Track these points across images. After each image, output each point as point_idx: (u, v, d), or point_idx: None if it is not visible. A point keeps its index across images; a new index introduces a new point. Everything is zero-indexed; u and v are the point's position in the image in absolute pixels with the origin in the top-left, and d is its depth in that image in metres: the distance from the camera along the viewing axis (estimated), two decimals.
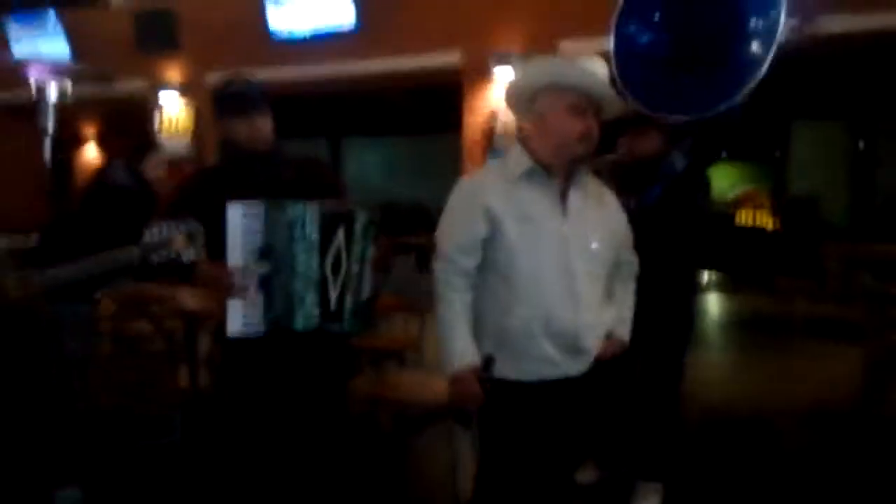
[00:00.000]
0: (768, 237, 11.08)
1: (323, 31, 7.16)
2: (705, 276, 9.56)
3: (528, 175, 1.79)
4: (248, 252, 1.91)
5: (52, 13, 8.66)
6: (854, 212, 10.85)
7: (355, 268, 1.96)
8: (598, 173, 2.45)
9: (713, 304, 8.14)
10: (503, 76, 6.43)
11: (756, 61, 2.00)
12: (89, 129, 13.35)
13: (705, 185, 2.52)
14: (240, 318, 1.92)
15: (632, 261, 2.01)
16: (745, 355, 5.70)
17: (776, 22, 2.00)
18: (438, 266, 1.83)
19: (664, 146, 2.44)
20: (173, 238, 1.84)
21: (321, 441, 2.12)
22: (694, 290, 2.76)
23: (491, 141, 6.53)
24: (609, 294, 1.91)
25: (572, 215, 1.79)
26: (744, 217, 12.23)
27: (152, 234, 1.84)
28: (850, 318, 5.93)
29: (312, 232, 1.92)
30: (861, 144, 10.99)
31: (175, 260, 1.85)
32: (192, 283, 2.03)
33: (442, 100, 8.10)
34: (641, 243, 2.06)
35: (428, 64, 6.82)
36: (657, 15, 2.23)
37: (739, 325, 7.03)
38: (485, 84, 6.57)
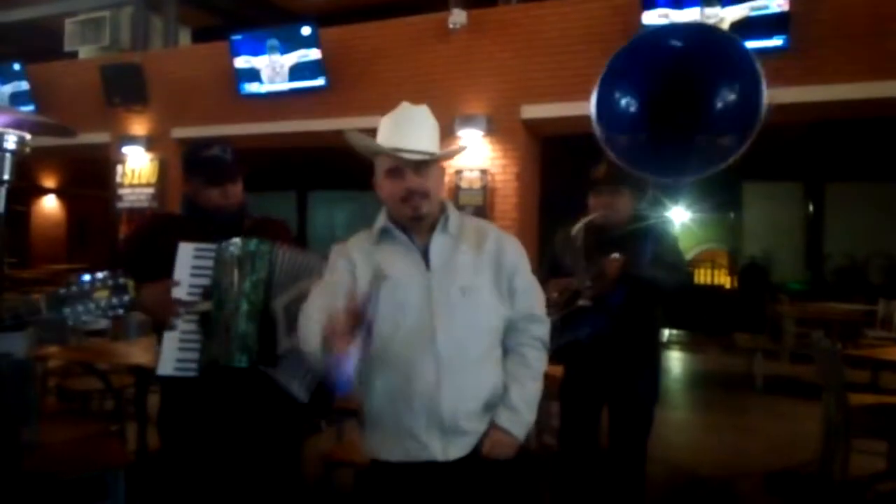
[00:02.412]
0: (725, 296, 11.34)
1: (291, 90, 7.27)
2: (665, 333, 9.69)
3: (385, 233, 1.70)
4: (193, 290, 1.88)
5: (17, 65, 8.63)
6: (807, 273, 11.19)
7: None
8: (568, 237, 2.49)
9: (674, 361, 8.20)
10: (467, 137, 6.58)
11: (741, 133, 2.10)
12: (50, 180, 13.14)
13: (671, 224, 2.64)
14: (173, 358, 1.87)
15: (532, 319, 1.72)
16: (707, 413, 5.72)
17: (759, 98, 2.09)
18: (300, 317, 1.63)
19: (634, 206, 2.54)
20: (94, 290, 1.72)
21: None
22: (659, 347, 2.82)
23: (456, 199, 6.62)
24: (497, 363, 1.68)
25: (437, 267, 1.64)
26: (702, 276, 12.52)
27: (69, 285, 1.72)
28: (806, 377, 6.05)
29: (262, 268, 1.89)
30: (810, 208, 11.44)
31: (99, 315, 1.74)
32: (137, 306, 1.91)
33: None
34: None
35: None
36: (644, 83, 2.29)
37: (701, 383, 7.08)
38: (450, 144, 6.70)
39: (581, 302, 2.41)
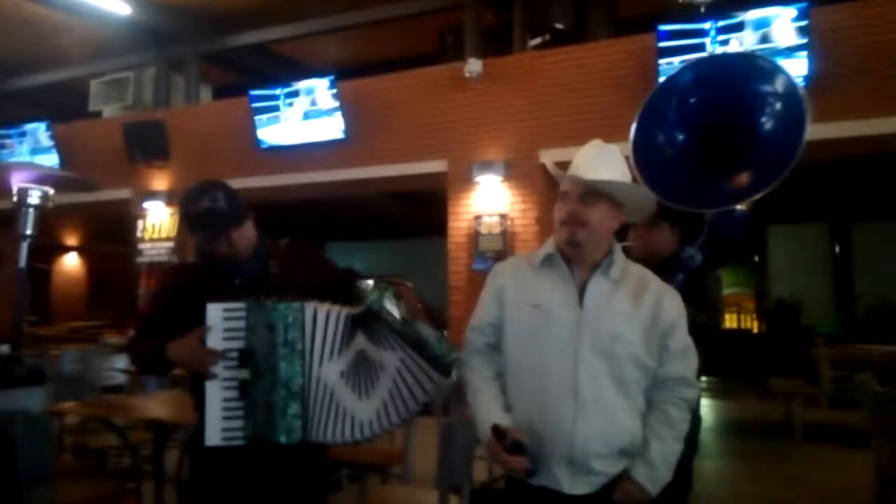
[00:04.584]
0: (755, 339, 11.04)
1: (310, 142, 7.34)
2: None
3: (547, 261, 1.74)
4: (229, 354, 1.76)
5: (43, 125, 8.84)
6: (836, 315, 10.90)
7: (402, 334, 1.74)
8: None
9: (706, 408, 7.91)
10: (486, 182, 6.56)
11: (779, 161, 2.04)
12: (72, 238, 13.32)
13: (719, 280, 2.50)
14: (219, 428, 1.75)
15: (682, 382, 1.69)
16: (747, 463, 5.44)
17: (802, 123, 2.04)
18: (463, 347, 1.83)
19: (676, 244, 2.42)
20: None
21: None
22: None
23: (476, 244, 6.56)
24: (637, 413, 1.66)
25: (590, 306, 1.65)
26: (729, 320, 12.25)
27: None
28: (847, 423, 5.77)
29: (296, 336, 1.74)
30: (837, 249, 11.23)
31: None
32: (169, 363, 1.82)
33: (426, 204, 8.24)
34: None
35: (413, 172, 6.97)
36: (677, 114, 2.26)
37: (736, 431, 6.78)
38: (469, 189, 6.69)
39: None
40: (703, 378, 9.50)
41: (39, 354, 5.56)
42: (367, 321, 1.78)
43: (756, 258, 12.05)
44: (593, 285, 1.68)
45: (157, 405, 3.34)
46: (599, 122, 6.07)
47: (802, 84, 5.43)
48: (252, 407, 1.76)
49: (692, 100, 2.25)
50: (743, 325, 12.23)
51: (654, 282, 1.74)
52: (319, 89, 7.20)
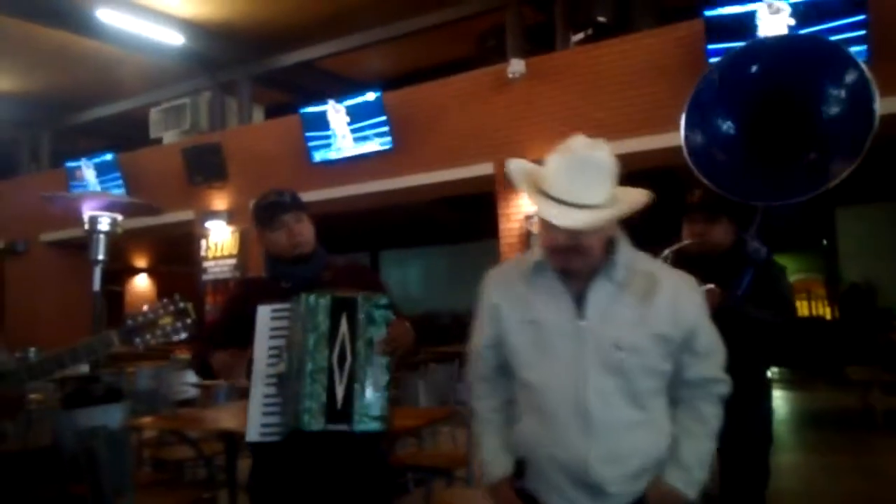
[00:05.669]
0: (829, 326, 10.56)
1: (359, 154, 7.46)
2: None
3: (539, 269, 1.52)
4: (272, 352, 1.86)
5: (109, 155, 9.30)
6: None
7: (361, 359, 1.82)
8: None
9: (778, 400, 7.62)
10: None
11: (855, 141, 1.95)
12: (141, 260, 13.94)
13: (784, 272, 2.41)
14: (258, 424, 1.84)
15: (713, 381, 1.54)
16: (824, 455, 5.22)
17: (871, 118, 1.95)
18: (469, 370, 1.71)
19: (734, 234, 2.35)
20: (158, 318, 1.83)
21: None
22: (769, 385, 2.56)
23: (528, 244, 6.53)
24: (657, 425, 1.50)
25: (593, 315, 1.46)
26: (799, 307, 11.79)
27: (135, 316, 1.84)
28: None
29: (323, 321, 1.83)
30: None
31: (165, 340, 1.84)
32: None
33: (476, 208, 8.25)
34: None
35: (461, 176, 6.99)
36: (734, 107, 2.15)
37: (812, 422, 6.51)
38: (518, 190, 6.64)
39: None
40: (774, 369, 9.17)
41: (116, 373, 5.85)
42: (349, 309, 1.85)
43: (825, 242, 11.55)
44: (594, 292, 1.47)
45: (228, 416, 3.47)
46: (649, 113, 5.96)
47: (864, 59, 5.20)
48: (285, 400, 1.82)
49: (747, 89, 2.14)
50: (814, 312, 11.73)
51: (666, 278, 1.52)
52: (366, 102, 7.31)
